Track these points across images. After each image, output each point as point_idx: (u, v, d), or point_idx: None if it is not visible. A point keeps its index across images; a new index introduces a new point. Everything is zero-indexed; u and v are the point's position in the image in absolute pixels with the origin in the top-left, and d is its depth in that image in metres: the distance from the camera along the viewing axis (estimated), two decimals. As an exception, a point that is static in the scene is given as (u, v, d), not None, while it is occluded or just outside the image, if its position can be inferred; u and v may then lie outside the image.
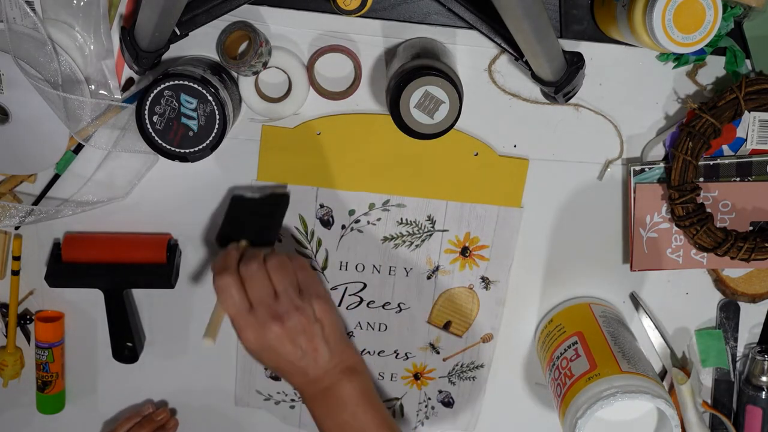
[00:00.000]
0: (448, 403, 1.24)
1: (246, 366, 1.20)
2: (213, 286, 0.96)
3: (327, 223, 1.12)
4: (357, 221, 1.12)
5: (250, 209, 1.07)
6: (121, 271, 1.09)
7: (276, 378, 1.21)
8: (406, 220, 1.12)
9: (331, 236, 1.13)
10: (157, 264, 1.09)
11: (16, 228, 1.09)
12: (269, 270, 0.96)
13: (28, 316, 1.15)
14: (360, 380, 0.99)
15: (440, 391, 1.23)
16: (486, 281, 1.16)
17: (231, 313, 0.95)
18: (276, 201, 1.08)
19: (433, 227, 1.13)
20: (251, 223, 1.05)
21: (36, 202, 1.08)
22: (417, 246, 1.14)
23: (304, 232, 1.12)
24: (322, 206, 1.11)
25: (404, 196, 1.11)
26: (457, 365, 1.21)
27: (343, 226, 1.12)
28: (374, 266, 1.15)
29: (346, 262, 1.15)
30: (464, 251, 1.14)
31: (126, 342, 1.14)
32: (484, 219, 1.12)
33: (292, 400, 1.23)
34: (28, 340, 1.17)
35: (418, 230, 1.13)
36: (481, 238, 1.14)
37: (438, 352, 1.21)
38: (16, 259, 1.11)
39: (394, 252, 1.14)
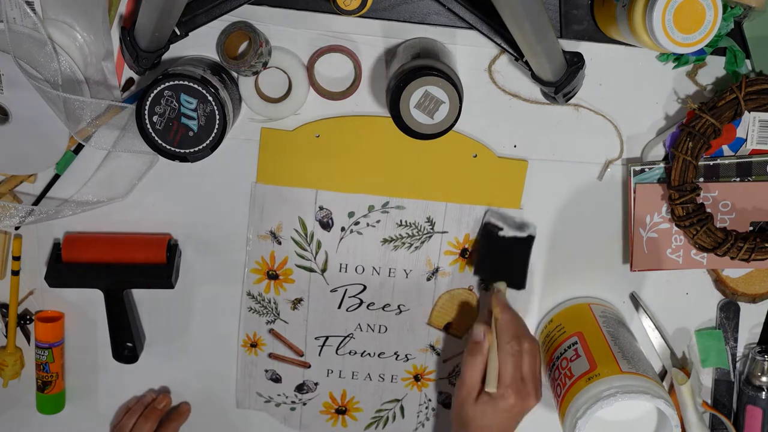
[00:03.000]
0: (448, 404, 1.24)
1: (246, 368, 1.20)
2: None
3: (326, 225, 1.12)
4: (356, 223, 1.12)
5: (503, 247, 1.11)
6: (121, 271, 1.09)
7: (276, 380, 1.21)
8: (406, 222, 1.12)
9: (331, 238, 1.13)
10: (157, 264, 1.09)
11: (16, 228, 1.09)
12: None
13: (28, 316, 1.15)
14: None
15: (440, 393, 1.23)
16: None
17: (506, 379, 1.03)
18: (525, 241, 1.12)
19: (432, 229, 1.13)
20: (506, 264, 1.13)
21: (36, 202, 1.08)
22: (416, 248, 1.14)
23: (304, 234, 1.12)
24: (321, 208, 1.11)
25: (403, 198, 1.11)
26: (457, 366, 1.21)
27: (343, 228, 1.12)
28: (374, 268, 1.15)
29: (346, 264, 1.15)
30: (464, 253, 1.14)
31: (126, 342, 1.14)
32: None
33: (293, 402, 1.23)
34: (28, 340, 1.17)
35: (417, 232, 1.13)
36: (481, 239, 1.14)
37: (438, 354, 1.20)
38: (16, 259, 1.11)
39: (394, 254, 1.14)
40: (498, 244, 1.11)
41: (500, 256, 1.12)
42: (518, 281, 1.13)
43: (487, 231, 1.11)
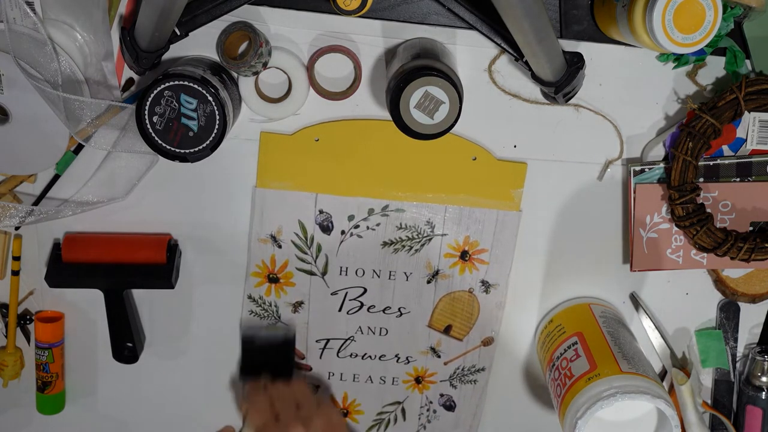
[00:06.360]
0: (449, 406, 1.24)
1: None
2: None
3: (326, 228, 1.12)
4: (356, 226, 1.12)
5: (262, 349, 1.16)
6: (121, 271, 1.09)
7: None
8: (406, 224, 1.12)
9: (331, 242, 1.13)
10: (157, 264, 1.09)
11: (16, 228, 1.09)
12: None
13: (28, 317, 1.15)
14: None
15: (442, 395, 1.23)
16: (486, 285, 1.16)
17: None
18: (284, 339, 1.16)
19: (432, 232, 1.13)
20: (267, 361, 1.16)
21: (36, 202, 1.08)
22: (417, 251, 1.14)
23: (304, 237, 1.12)
24: (321, 212, 1.11)
25: (403, 201, 1.11)
26: (458, 369, 1.21)
27: (343, 232, 1.12)
28: (374, 271, 1.15)
29: (346, 267, 1.15)
30: (464, 255, 1.14)
31: (126, 342, 1.14)
32: (483, 223, 1.12)
33: (293, 404, 1.23)
34: (28, 341, 1.17)
35: (417, 235, 1.13)
36: (481, 242, 1.13)
37: (439, 356, 1.20)
38: (16, 259, 1.11)
39: (394, 257, 1.14)
40: (258, 351, 1.16)
41: (263, 360, 1.16)
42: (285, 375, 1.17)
43: (244, 342, 1.16)
